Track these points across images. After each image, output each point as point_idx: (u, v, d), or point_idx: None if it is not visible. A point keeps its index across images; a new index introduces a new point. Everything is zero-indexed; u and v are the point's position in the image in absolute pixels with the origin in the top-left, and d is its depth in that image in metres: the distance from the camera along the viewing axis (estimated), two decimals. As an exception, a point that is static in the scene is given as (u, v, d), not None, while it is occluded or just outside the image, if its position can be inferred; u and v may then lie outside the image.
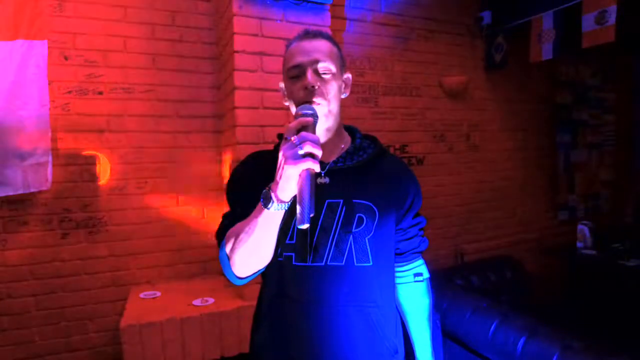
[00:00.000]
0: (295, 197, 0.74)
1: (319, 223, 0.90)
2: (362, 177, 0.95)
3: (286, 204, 0.75)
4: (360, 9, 2.71)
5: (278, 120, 2.03)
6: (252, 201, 0.80)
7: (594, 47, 2.46)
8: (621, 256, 2.84)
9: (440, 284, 2.17)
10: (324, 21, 2.13)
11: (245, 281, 0.89)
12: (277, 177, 0.73)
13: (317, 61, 0.89)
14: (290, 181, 0.72)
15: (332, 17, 2.21)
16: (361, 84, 2.74)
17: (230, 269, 0.86)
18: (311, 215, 0.70)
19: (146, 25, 2.24)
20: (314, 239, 0.89)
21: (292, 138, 0.72)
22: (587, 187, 4.01)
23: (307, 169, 0.70)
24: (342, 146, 0.99)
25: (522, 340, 1.63)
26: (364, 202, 0.92)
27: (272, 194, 0.74)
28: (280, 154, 0.73)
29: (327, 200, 0.91)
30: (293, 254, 0.90)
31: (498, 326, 1.75)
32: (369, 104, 2.78)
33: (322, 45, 0.92)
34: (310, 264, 0.89)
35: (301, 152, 0.70)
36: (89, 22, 2.12)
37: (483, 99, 3.28)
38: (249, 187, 0.84)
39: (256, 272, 0.89)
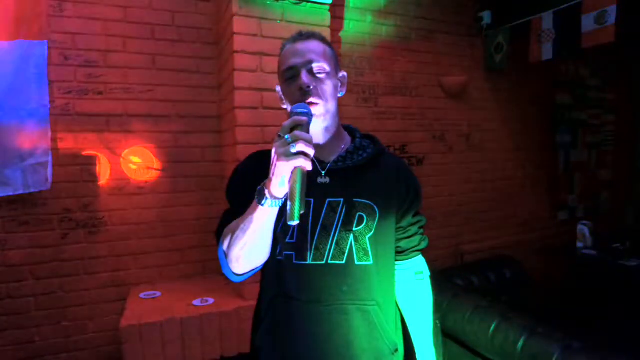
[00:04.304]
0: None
1: (320, 222, 0.90)
2: (362, 176, 0.95)
3: (280, 200, 0.76)
4: (360, 9, 2.71)
5: (278, 120, 2.03)
6: (251, 199, 0.80)
7: (594, 47, 2.46)
8: (621, 256, 2.84)
9: (440, 284, 2.17)
10: (323, 21, 2.13)
11: (242, 278, 0.89)
12: (271, 174, 0.74)
13: (310, 62, 0.90)
14: (282, 178, 0.73)
15: (332, 17, 2.21)
16: (361, 84, 2.74)
17: (228, 265, 0.87)
18: (301, 212, 0.71)
19: (146, 25, 2.24)
20: (315, 238, 0.90)
21: (286, 136, 0.73)
22: (587, 187, 4.01)
23: (299, 167, 0.71)
24: (342, 146, 1.00)
25: (522, 340, 1.63)
26: (365, 201, 0.92)
27: (266, 191, 0.75)
28: (273, 151, 0.73)
29: (327, 200, 0.91)
30: (293, 253, 0.91)
31: (498, 326, 1.75)
32: (369, 104, 2.78)
33: (314, 46, 0.93)
34: (310, 262, 0.89)
35: (293, 150, 0.70)
36: (89, 22, 2.12)
37: (483, 99, 3.28)
38: (248, 186, 0.84)
39: (254, 270, 0.89)
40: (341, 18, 2.64)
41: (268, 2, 1.98)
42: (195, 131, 2.37)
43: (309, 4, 2.06)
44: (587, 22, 2.45)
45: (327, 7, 2.13)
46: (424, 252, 1.09)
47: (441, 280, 2.30)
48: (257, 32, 1.99)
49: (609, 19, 2.32)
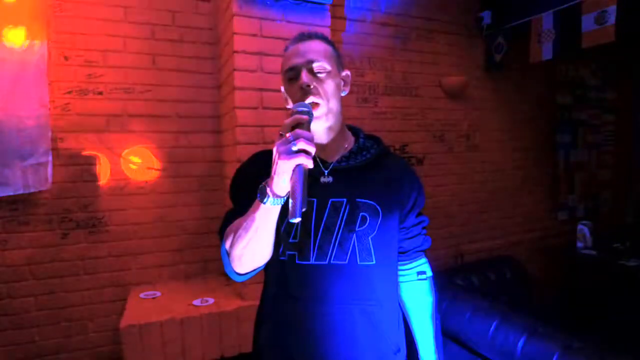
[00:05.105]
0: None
1: (323, 222, 0.90)
2: (365, 176, 0.96)
3: (282, 198, 0.76)
4: (360, 9, 2.71)
5: (278, 120, 2.03)
6: (253, 199, 0.80)
7: (594, 47, 2.46)
8: (621, 256, 2.85)
9: (441, 284, 2.17)
10: (323, 21, 2.12)
11: (245, 278, 0.90)
12: (272, 172, 0.74)
13: (311, 61, 0.91)
14: (283, 176, 0.73)
15: (332, 17, 2.21)
16: (361, 84, 2.74)
17: (230, 264, 0.87)
18: (303, 209, 0.71)
19: (146, 25, 2.24)
20: (318, 238, 0.90)
21: (287, 134, 0.73)
22: (587, 187, 4.01)
23: (300, 165, 0.71)
24: (346, 146, 1.00)
25: (522, 340, 1.63)
26: (368, 201, 0.92)
27: (268, 189, 0.75)
28: (274, 150, 0.74)
29: (330, 199, 0.91)
30: (296, 253, 0.91)
31: (498, 326, 1.75)
32: (369, 104, 2.78)
33: (315, 45, 0.94)
34: (313, 262, 0.90)
35: (294, 148, 0.71)
36: (89, 22, 2.12)
37: (483, 99, 3.28)
38: (251, 185, 0.85)
39: (256, 269, 0.89)
40: (341, 18, 2.64)
41: (268, 2, 1.98)
42: (195, 131, 2.37)
43: (309, 4, 2.06)
44: (587, 22, 2.45)
45: (327, 7, 2.13)
46: (426, 251, 1.09)
47: (441, 280, 2.30)
48: (257, 32, 1.99)
49: (609, 19, 2.32)
